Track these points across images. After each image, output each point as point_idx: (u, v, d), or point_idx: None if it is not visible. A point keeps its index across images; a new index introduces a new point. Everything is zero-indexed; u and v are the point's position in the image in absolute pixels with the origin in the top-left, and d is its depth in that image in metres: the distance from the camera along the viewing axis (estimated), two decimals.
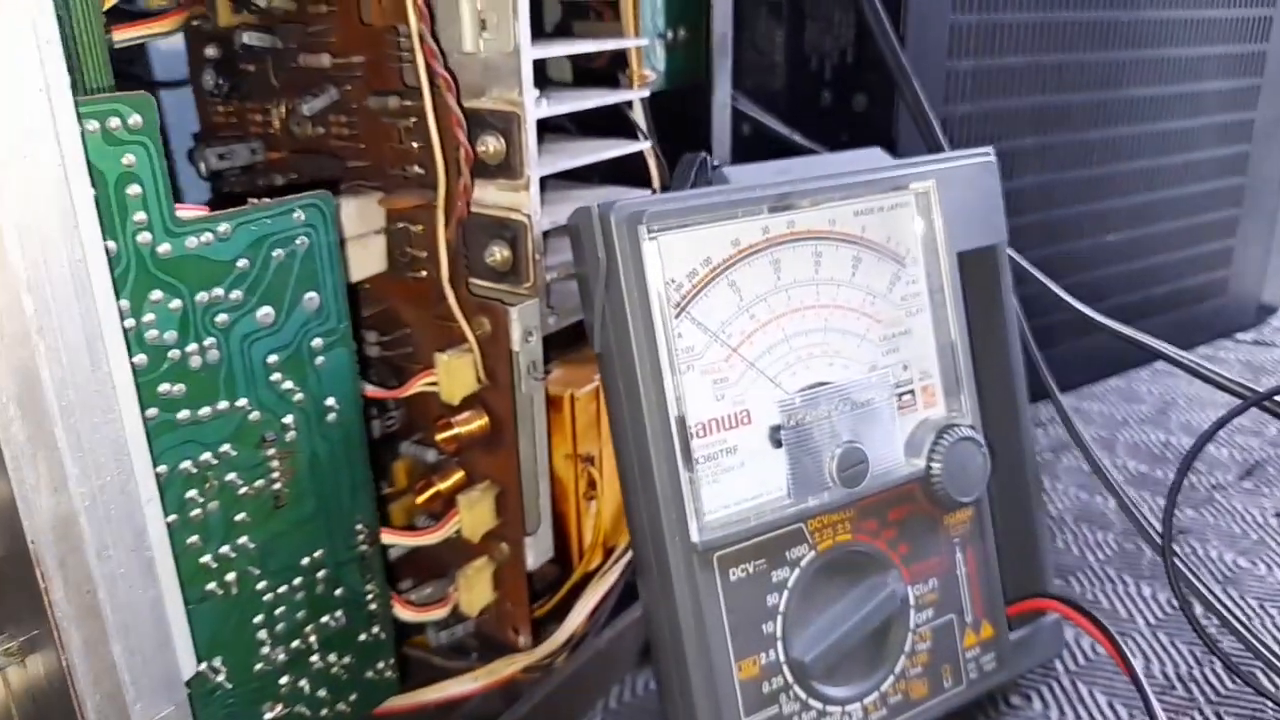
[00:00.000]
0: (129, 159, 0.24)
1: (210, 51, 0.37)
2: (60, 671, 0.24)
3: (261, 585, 0.30)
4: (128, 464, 0.23)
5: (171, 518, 0.26)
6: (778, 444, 0.35)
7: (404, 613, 0.36)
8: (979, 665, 0.39)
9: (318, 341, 0.30)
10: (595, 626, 0.43)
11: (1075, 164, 0.61)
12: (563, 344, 0.39)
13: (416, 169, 0.34)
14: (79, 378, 0.22)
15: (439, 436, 0.36)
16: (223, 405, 0.27)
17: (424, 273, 0.35)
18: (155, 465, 0.25)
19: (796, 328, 0.35)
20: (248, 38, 0.34)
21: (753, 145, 0.50)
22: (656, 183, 0.41)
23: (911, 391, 0.37)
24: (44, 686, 0.25)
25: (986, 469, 0.37)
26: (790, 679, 0.35)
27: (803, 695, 0.35)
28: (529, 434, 0.36)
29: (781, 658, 0.35)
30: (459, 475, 0.37)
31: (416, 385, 0.35)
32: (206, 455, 0.27)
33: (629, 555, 0.43)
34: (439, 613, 0.38)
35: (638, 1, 0.38)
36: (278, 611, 0.30)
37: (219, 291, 0.27)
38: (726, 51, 0.42)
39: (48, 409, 0.21)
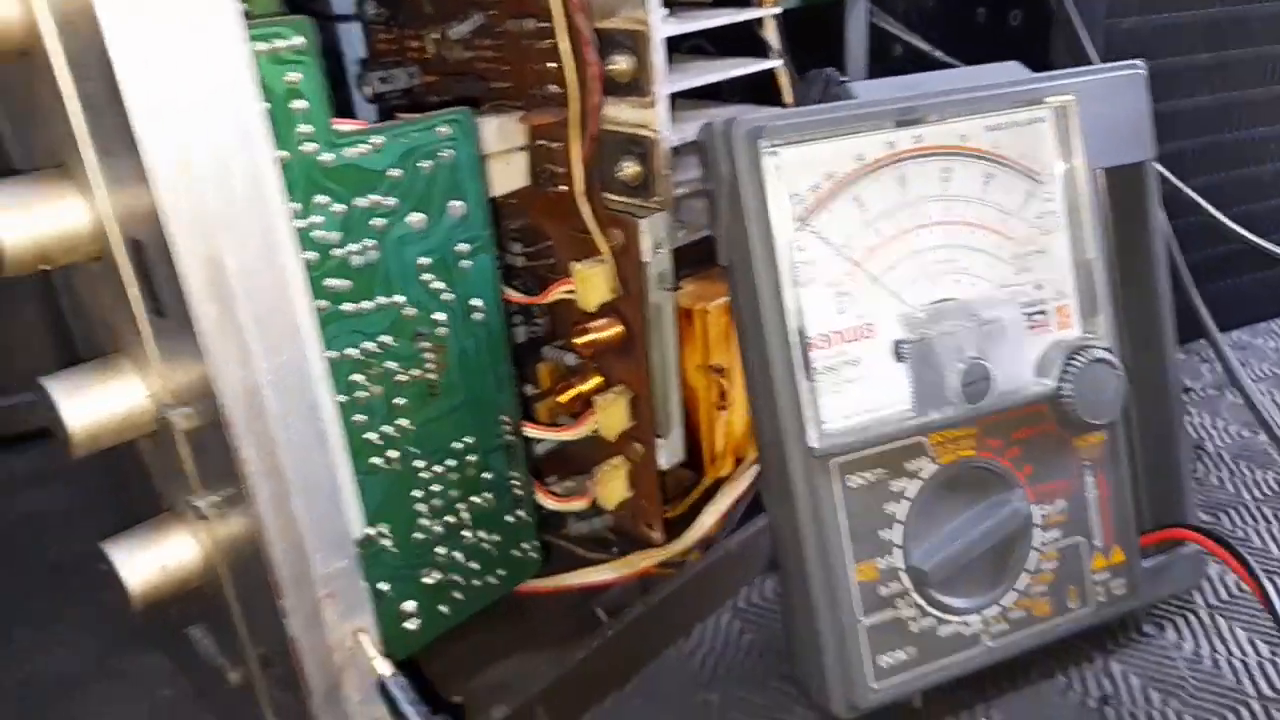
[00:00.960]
0: (293, 77, 0.27)
1: None
2: (253, 524, 0.28)
3: (419, 464, 0.33)
4: (301, 345, 0.27)
5: (341, 397, 0.30)
6: (900, 358, 0.35)
7: (547, 501, 0.39)
8: (1108, 589, 0.39)
9: (463, 246, 0.32)
10: (726, 530, 0.46)
11: (1254, 81, 0.56)
12: (698, 260, 0.40)
13: (553, 88, 0.36)
14: (258, 266, 0.25)
15: (577, 341, 0.39)
16: (381, 300, 0.31)
17: (563, 187, 0.37)
18: (325, 349, 0.29)
19: (923, 243, 0.35)
20: None
21: (902, 68, 0.49)
22: (789, 101, 0.42)
23: (1044, 311, 0.37)
24: (241, 536, 0.29)
25: (1121, 393, 0.36)
26: (908, 585, 0.36)
27: (921, 602, 0.36)
28: (658, 342, 0.38)
29: (900, 564, 0.36)
30: (597, 379, 0.40)
31: (555, 293, 0.37)
32: (369, 344, 0.31)
33: (749, 472, 0.45)
34: (579, 504, 0.41)
35: None
36: (433, 488, 0.34)
37: (375, 198, 0.30)
38: None
39: (234, 293, 0.25)
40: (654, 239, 0.36)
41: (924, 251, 0.35)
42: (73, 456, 0.30)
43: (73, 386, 0.30)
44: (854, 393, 0.35)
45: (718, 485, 0.45)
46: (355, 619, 0.31)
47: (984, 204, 0.36)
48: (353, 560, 0.30)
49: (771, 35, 0.41)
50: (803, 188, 0.34)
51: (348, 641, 0.31)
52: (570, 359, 0.41)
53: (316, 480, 0.28)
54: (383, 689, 0.30)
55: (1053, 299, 0.37)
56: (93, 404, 0.30)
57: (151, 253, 0.26)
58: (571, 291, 0.37)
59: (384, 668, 0.30)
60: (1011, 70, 0.37)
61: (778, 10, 0.40)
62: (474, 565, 0.36)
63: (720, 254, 0.35)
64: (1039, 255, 0.36)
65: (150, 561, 0.33)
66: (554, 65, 0.35)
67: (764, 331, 0.34)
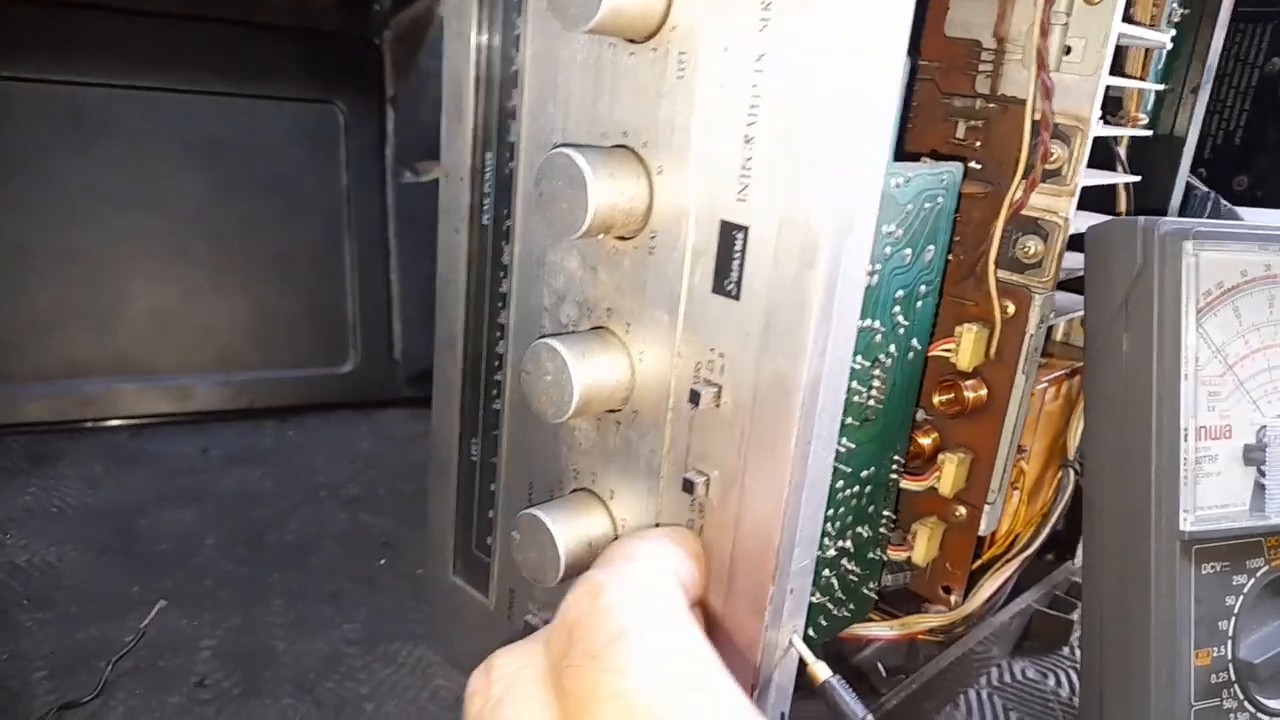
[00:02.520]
0: None
1: None
2: (759, 506, 0.29)
3: (839, 484, 0.35)
4: (849, 344, 0.29)
5: None
6: (1249, 462, 0.38)
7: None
8: None
9: (922, 288, 0.35)
10: (992, 608, 0.47)
11: None
12: None
13: (974, 165, 0.39)
14: (853, 266, 0.27)
15: (939, 398, 0.41)
16: (866, 322, 0.33)
17: (961, 256, 0.39)
18: None
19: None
20: None
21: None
22: (1122, 211, 0.46)
23: None
24: (729, 519, 0.30)
25: None
26: (1233, 677, 0.38)
27: (1241, 696, 0.38)
28: (1014, 411, 0.41)
29: (1229, 655, 0.38)
30: (935, 436, 0.42)
31: (938, 348, 0.39)
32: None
33: (1031, 548, 0.47)
34: (903, 554, 0.42)
35: (1155, 53, 0.43)
36: (840, 510, 0.35)
37: (891, 227, 0.32)
38: (1202, 106, 0.46)
39: (835, 290, 0.27)
40: (1041, 314, 0.39)
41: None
42: (563, 419, 0.31)
43: (580, 352, 0.31)
44: (1210, 486, 0.38)
45: (993, 562, 0.46)
46: (797, 619, 0.32)
47: None
48: (812, 559, 0.31)
49: (1122, 152, 0.45)
50: (1201, 290, 0.37)
51: (785, 641, 0.32)
52: (918, 414, 0.43)
53: (820, 475, 0.30)
54: (826, 689, 0.31)
55: None
56: (596, 370, 0.31)
57: (755, 241, 0.27)
58: (949, 350, 0.39)
59: (824, 670, 0.31)
60: None
61: (1139, 132, 0.44)
62: (840, 594, 0.37)
63: (1096, 338, 0.38)
64: None
65: (579, 536, 0.33)
66: (978, 143, 0.38)
67: (1150, 415, 0.37)
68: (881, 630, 0.44)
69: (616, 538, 0.34)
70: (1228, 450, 0.38)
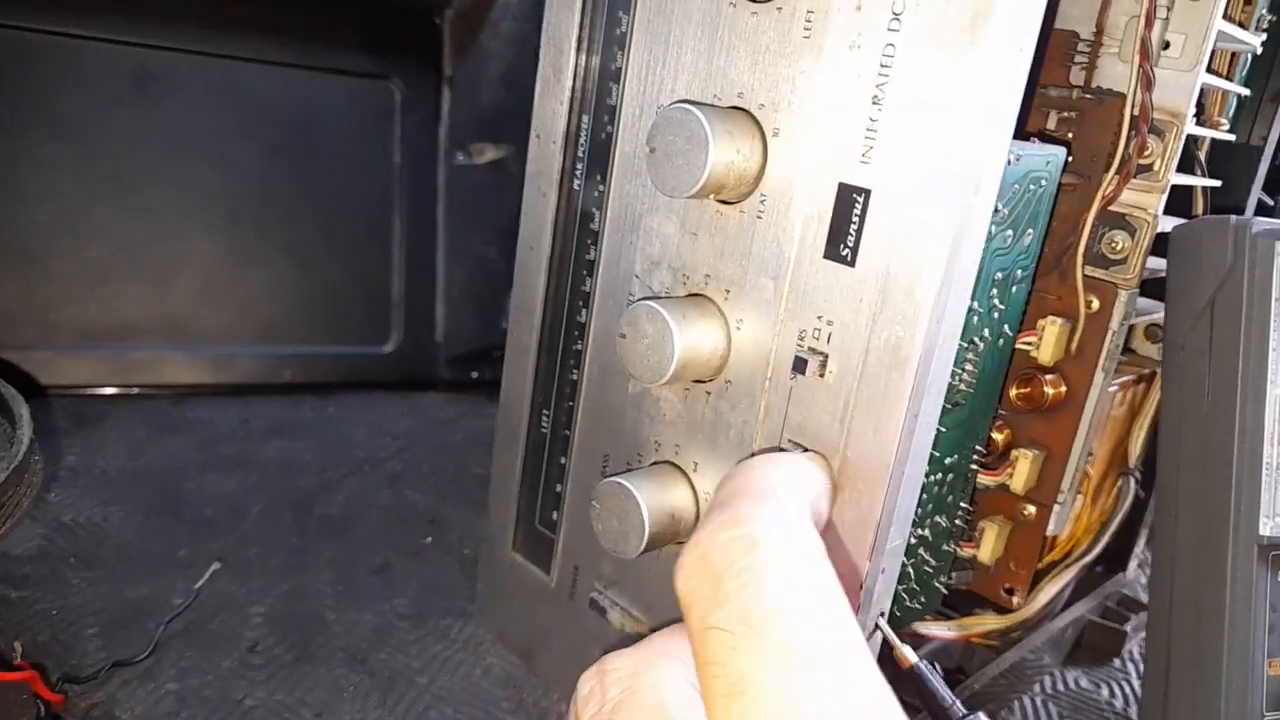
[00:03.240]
0: None
1: None
2: (869, 478, 0.29)
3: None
4: (960, 314, 0.28)
5: None
6: None
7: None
8: None
9: (1019, 273, 0.34)
10: (1048, 615, 0.46)
11: None
12: None
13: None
14: (972, 233, 0.27)
15: (1016, 391, 0.40)
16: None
17: (1047, 248, 0.39)
18: None
19: None
20: None
21: None
22: (1198, 213, 0.45)
23: None
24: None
25: None
26: None
27: None
28: (1091, 410, 0.40)
29: None
30: (1007, 431, 0.41)
31: (1020, 340, 0.39)
32: None
33: (1090, 554, 0.46)
34: (970, 551, 0.41)
35: (1241, 58, 0.43)
36: (922, 496, 0.34)
37: (999, 205, 0.32)
38: None
39: (959, 258, 0.26)
40: (1125, 310, 0.39)
41: None
42: (660, 382, 0.30)
43: (680, 315, 0.30)
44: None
45: (1051, 566, 0.46)
46: (884, 601, 0.31)
47: None
48: (904, 540, 0.30)
49: (1202, 155, 0.44)
50: None
51: (871, 623, 0.31)
52: None
53: (921, 453, 0.29)
54: (915, 673, 0.30)
55: None
56: (695, 334, 0.31)
57: (877, 204, 0.27)
58: (1030, 343, 0.39)
59: (912, 654, 0.30)
60: None
61: (1222, 135, 0.43)
62: (915, 585, 0.37)
63: (1178, 339, 0.37)
64: None
65: (663, 506, 0.33)
66: (1071, 134, 0.38)
67: (1233, 414, 0.36)
68: (939, 630, 0.43)
69: (699, 513, 0.34)
70: None
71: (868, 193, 0.27)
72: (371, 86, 0.63)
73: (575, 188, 0.36)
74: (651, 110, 0.33)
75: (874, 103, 0.27)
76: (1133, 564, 0.53)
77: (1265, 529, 0.36)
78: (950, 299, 0.27)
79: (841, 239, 0.28)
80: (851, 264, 0.28)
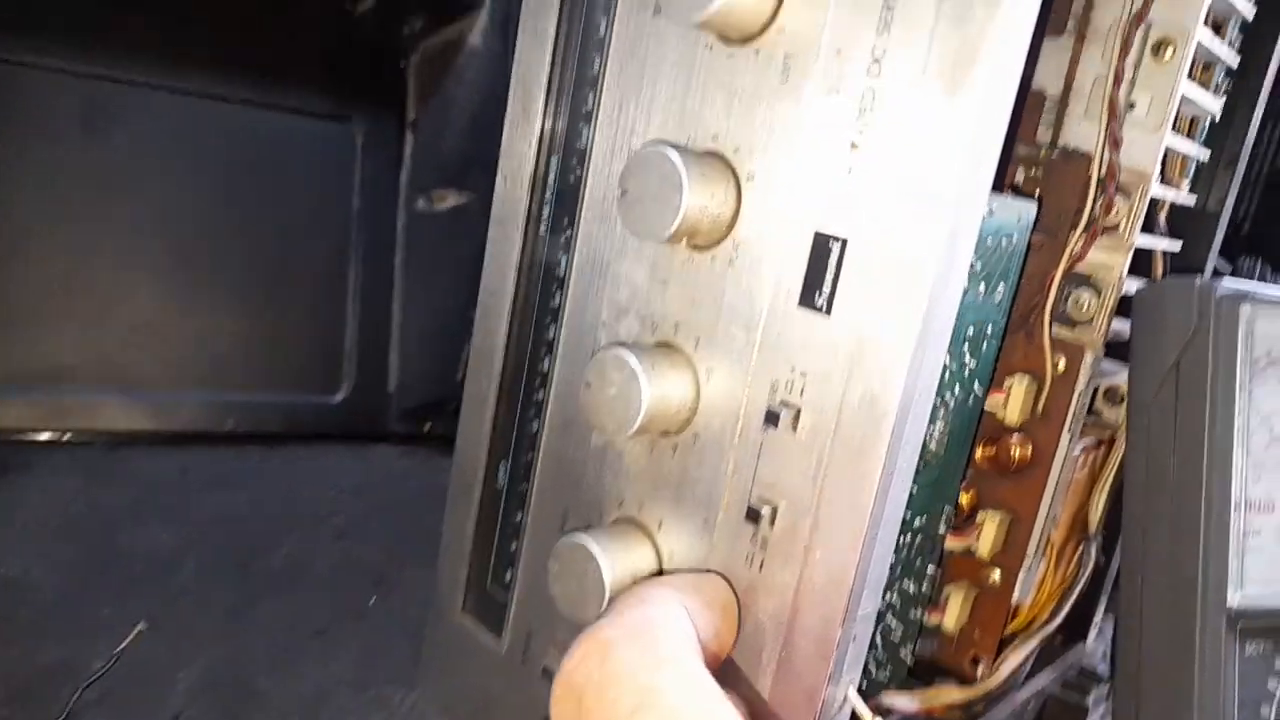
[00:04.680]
0: None
1: None
2: (840, 539, 0.27)
3: None
4: (936, 368, 0.27)
5: None
6: None
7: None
8: None
9: (989, 329, 0.34)
10: (1014, 684, 0.45)
11: None
12: None
13: None
14: (949, 287, 0.26)
15: (982, 452, 0.39)
16: None
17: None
18: None
19: None
20: None
21: None
22: (1156, 277, 0.45)
23: None
24: (798, 552, 0.28)
25: None
26: None
27: None
28: (1057, 471, 0.39)
29: None
30: (972, 492, 0.40)
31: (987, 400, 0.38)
32: None
33: (1054, 623, 0.45)
34: (935, 619, 0.40)
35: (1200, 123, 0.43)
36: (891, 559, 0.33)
37: (971, 258, 0.31)
38: (1237, 181, 0.47)
39: (938, 309, 0.26)
40: (1091, 372, 0.38)
41: None
42: (624, 434, 0.29)
43: (649, 364, 0.29)
44: (1256, 562, 0.36)
45: (1012, 637, 0.45)
46: (854, 671, 0.30)
47: None
48: (876, 606, 0.29)
49: (1161, 218, 0.45)
50: (1254, 356, 0.36)
51: (841, 695, 0.29)
52: None
53: (894, 513, 0.28)
54: None
55: None
56: (663, 385, 0.29)
57: (854, 253, 0.26)
58: (997, 403, 0.38)
59: None
60: None
61: (1182, 199, 0.44)
62: (881, 654, 0.35)
63: (1141, 400, 0.37)
64: None
65: (625, 566, 0.31)
66: (1037, 191, 0.38)
67: (1199, 479, 0.36)
68: (902, 701, 0.42)
69: (661, 572, 0.32)
70: (1271, 525, 0.37)
71: (844, 241, 0.26)
72: (332, 128, 0.62)
73: (542, 232, 0.35)
74: (623, 153, 0.32)
75: (853, 148, 0.26)
76: (1092, 633, 0.52)
77: (1234, 600, 0.35)
78: (928, 350, 0.26)
79: (817, 287, 0.27)
80: (827, 313, 0.27)
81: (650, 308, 0.31)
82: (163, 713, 0.37)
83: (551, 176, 0.34)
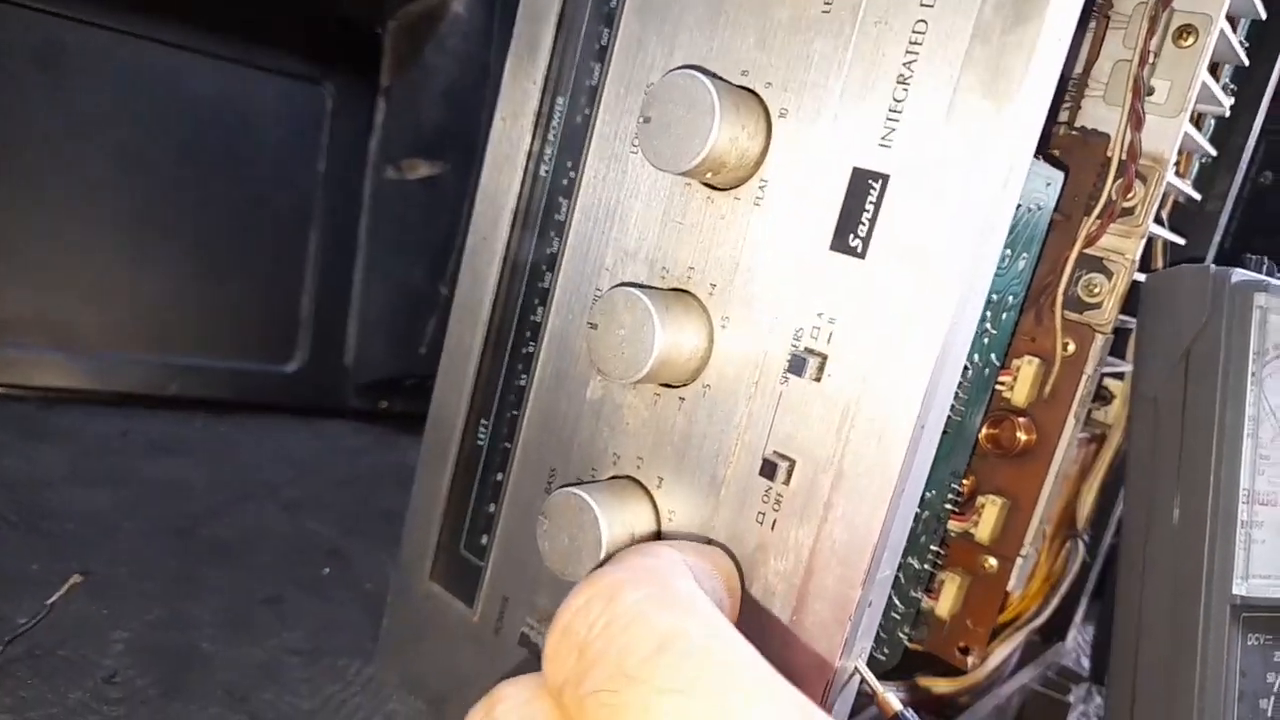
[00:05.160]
0: None
1: None
2: (865, 496, 0.26)
3: None
4: (970, 328, 0.26)
5: None
6: None
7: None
8: None
9: (1010, 299, 0.32)
10: (995, 681, 0.44)
11: None
12: None
13: None
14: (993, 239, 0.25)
15: (987, 431, 0.38)
16: None
17: None
18: None
19: None
20: None
21: None
22: (1156, 267, 0.45)
23: None
24: (817, 504, 0.26)
25: None
26: None
27: None
28: (1060, 456, 0.38)
29: None
30: (972, 477, 0.39)
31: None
32: None
33: (1041, 617, 0.45)
34: (929, 603, 0.39)
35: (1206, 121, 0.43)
36: None
37: None
38: (1237, 181, 0.47)
39: (968, 267, 0.24)
40: (1099, 356, 0.37)
41: None
42: (632, 379, 0.27)
43: (663, 305, 0.27)
44: (1260, 553, 0.36)
45: (1002, 628, 0.44)
46: (866, 639, 0.28)
47: None
48: (894, 569, 0.27)
49: (1165, 212, 0.44)
50: (1267, 346, 0.36)
51: (850, 667, 0.28)
52: None
53: (921, 472, 0.26)
54: None
55: None
56: (677, 329, 0.28)
57: (896, 191, 0.25)
58: (1004, 382, 0.37)
59: (896, 700, 0.27)
60: None
61: (1187, 189, 0.44)
62: (882, 634, 0.33)
63: (1147, 388, 0.36)
64: None
65: (623, 523, 0.29)
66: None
67: (1207, 469, 0.35)
68: (890, 690, 0.40)
69: (659, 535, 0.30)
70: (1277, 517, 0.36)
71: (886, 178, 0.25)
72: (301, 89, 0.59)
73: (543, 173, 0.33)
74: (639, 90, 0.30)
75: (900, 82, 0.25)
76: (1071, 633, 0.52)
77: (1239, 589, 0.35)
78: (969, 301, 0.25)
79: (852, 229, 0.25)
80: (862, 256, 0.25)
81: (662, 251, 0.29)
82: (97, 672, 0.34)
83: (556, 116, 0.32)
